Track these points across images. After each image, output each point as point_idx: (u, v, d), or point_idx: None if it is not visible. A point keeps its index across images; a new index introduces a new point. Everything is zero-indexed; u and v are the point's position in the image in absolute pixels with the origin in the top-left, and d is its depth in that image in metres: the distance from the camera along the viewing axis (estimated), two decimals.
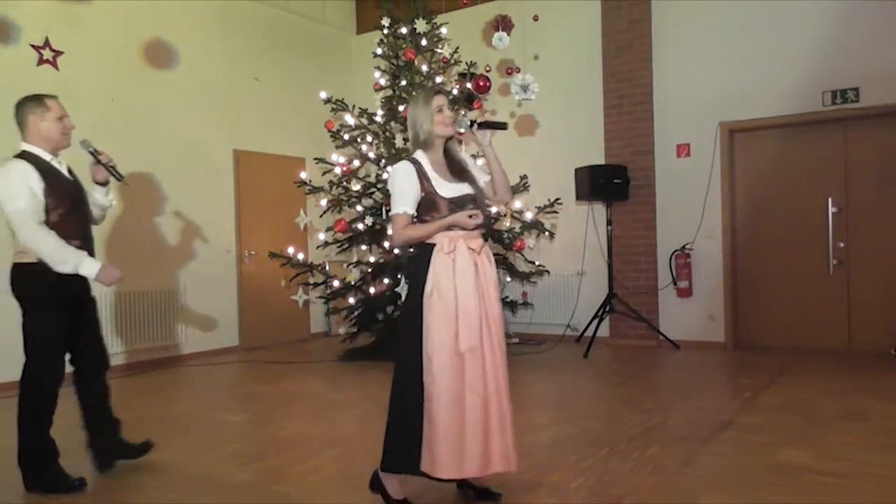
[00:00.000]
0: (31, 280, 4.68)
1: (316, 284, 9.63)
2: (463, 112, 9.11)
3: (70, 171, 5.00)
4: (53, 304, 4.72)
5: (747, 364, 8.54)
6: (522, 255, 9.70)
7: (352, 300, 9.39)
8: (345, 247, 9.53)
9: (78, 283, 4.87)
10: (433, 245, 4.01)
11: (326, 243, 9.47)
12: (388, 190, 4.22)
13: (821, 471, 4.65)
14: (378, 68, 9.71)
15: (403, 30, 9.54)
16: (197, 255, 10.15)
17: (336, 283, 9.41)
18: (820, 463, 4.81)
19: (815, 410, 6.22)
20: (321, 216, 9.74)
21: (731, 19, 9.47)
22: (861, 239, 8.95)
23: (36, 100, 4.88)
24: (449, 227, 4.01)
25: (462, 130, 9.16)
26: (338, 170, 9.36)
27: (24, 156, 4.73)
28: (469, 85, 9.21)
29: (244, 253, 10.78)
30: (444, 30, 9.71)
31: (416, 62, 9.47)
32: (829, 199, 9.07)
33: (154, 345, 9.54)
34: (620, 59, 10.16)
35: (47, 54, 8.52)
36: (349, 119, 9.43)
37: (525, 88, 8.76)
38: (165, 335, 9.67)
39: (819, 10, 8.92)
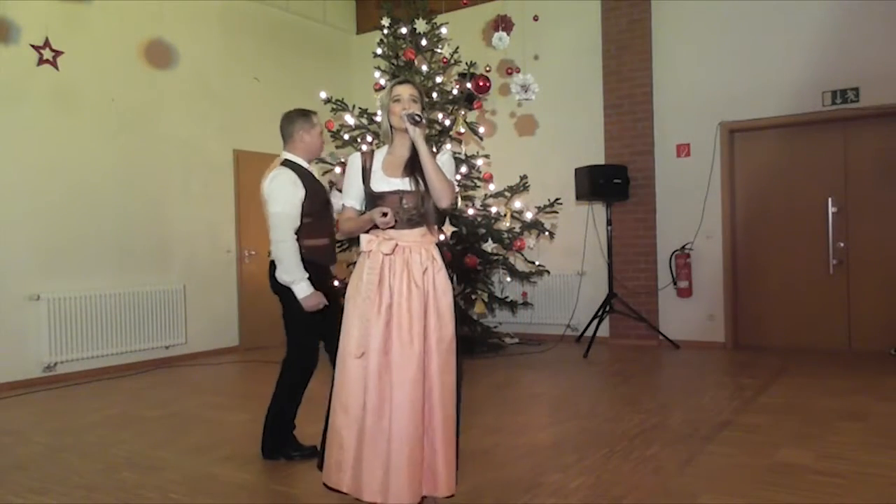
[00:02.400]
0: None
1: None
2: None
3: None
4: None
5: (747, 364, 8.54)
6: (522, 254, 9.70)
7: None
8: (344, 246, 9.52)
9: (329, 277, 5.41)
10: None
11: None
12: None
13: (820, 471, 4.65)
14: (378, 68, 9.71)
15: (403, 30, 9.53)
16: (197, 255, 10.17)
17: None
18: (819, 463, 4.81)
19: (815, 410, 6.23)
20: None
21: (731, 19, 9.47)
22: (861, 239, 8.96)
23: (304, 115, 5.34)
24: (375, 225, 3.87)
25: (462, 130, 9.15)
26: (338, 170, 9.34)
27: (288, 164, 5.17)
28: (469, 85, 9.21)
29: (244, 253, 10.78)
30: (444, 30, 9.68)
31: (416, 62, 9.46)
32: (829, 199, 9.08)
33: (154, 344, 9.54)
34: (620, 59, 10.17)
35: (47, 54, 8.52)
36: (349, 119, 9.43)
37: (525, 88, 8.76)
38: (165, 335, 9.67)
39: (819, 10, 8.93)
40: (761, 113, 9.31)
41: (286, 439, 5.32)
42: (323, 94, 9.49)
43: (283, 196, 4.98)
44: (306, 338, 5.15)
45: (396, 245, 3.81)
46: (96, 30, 9.07)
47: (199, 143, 10.26)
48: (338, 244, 9.48)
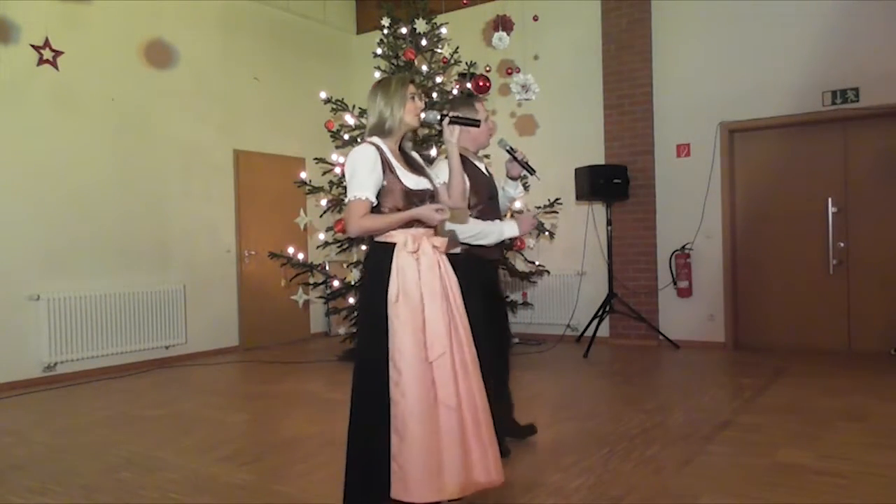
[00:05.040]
0: (459, 269, 5.00)
1: (316, 284, 9.63)
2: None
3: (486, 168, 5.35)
4: (474, 290, 4.99)
5: (747, 364, 8.54)
6: (522, 254, 9.71)
7: (352, 300, 9.38)
8: (345, 247, 9.52)
9: (495, 272, 5.41)
10: (392, 243, 3.73)
11: (326, 243, 9.46)
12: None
13: (820, 471, 4.65)
14: (378, 68, 9.67)
15: (403, 30, 9.53)
16: (197, 255, 10.18)
17: (336, 283, 9.39)
18: (820, 463, 4.82)
19: (815, 410, 6.23)
20: (321, 216, 9.73)
21: (731, 19, 9.47)
22: (861, 239, 8.95)
23: (467, 102, 5.19)
24: (408, 224, 3.74)
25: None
26: (338, 170, 9.34)
27: None
28: (469, 85, 9.20)
29: (244, 253, 10.79)
30: (443, 30, 9.69)
31: (416, 62, 9.46)
32: (829, 199, 9.07)
33: (154, 345, 9.54)
34: (621, 59, 10.17)
35: (47, 54, 8.51)
36: (349, 119, 9.42)
37: (525, 88, 8.74)
38: (165, 335, 9.67)
39: (819, 10, 8.92)
40: (761, 113, 9.31)
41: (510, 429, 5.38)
42: (323, 95, 9.47)
43: None
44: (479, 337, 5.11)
45: (445, 241, 3.87)
46: (96, 30, 9.07)
47: (199, 143, 10.26)
48: (337, 244, 9.49)
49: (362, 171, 3.69)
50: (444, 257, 3.86)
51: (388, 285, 3.64)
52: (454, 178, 3.97)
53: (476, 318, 5.01)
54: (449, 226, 4.91)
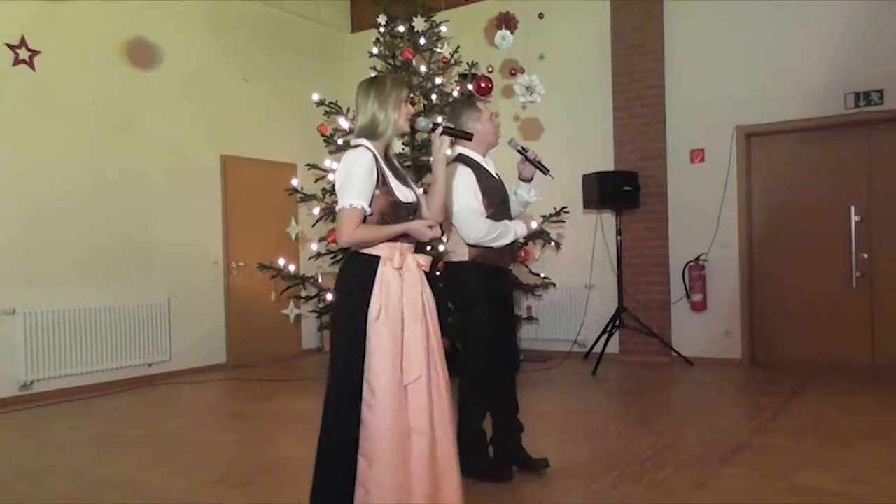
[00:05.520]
0: (465, 278, 5.18)
1: (308, 298, 9.67)
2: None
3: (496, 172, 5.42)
4: (485, 299, 5.12)
5: (765, 382, 8.58)
6: (527, 266, 9.75)
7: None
8: (339, 258, 9.47)
9: (503, 279, 5.41)
10: (376, 256, 3.74)
11: (319, 254, 9.44)
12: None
13: (842, 494, 4.70)
14: (374, 69, 9.70)
15: (401, 28, 9.56)
16: (182, 267, 10.19)
17: (329, 297, 9.37)
18: (841, 486, 4.86)
19: (837, 430, 6.28)
20: (313, 225, 9.64)
21: (748, 17, 9.51)
22: (885, 249, 8.99)
23: (468, 104, 5.32)
24: (393, 237, 3.77)
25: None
26: (331, 176, 9.34)
27: (461, 159, 5.17)
28: (470, 87, 9.23)
29: (232, 264, 10.82)
30: (443, 28, 9.71)
31: (414, 62, 9.47)
32: (852, 208, 9.11)
33: (136, 362, 9.57)
34: (631, 59, 10.21)
35: (23, 54, 8.55)
36: (343, 122, 9.43)
37: (530, 90, 8.78)
38: (148, 351, 9.70)
39: (841, 7, 8.97)
40: (780, 116, 9.34)
41: (481, 456, 5.25)
42: (315, 96, 9.47)
43: (460, 191, 5.01)
44: (483, 345, 5.13)
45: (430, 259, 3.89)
46: (76, 28, 9.12)
47: (185, 148, 10.30)
48: (330, 255, 9.50)
49: (359, 178, 3.69)
50: (424, 276, 3.88)
51: (368, 301, 3.68)
52: (437, 190, 4.02)
53: (484, 328, 5.09)
54: (463, 231, 4.97)
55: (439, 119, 9.17)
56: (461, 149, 5.22)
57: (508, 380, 5.41)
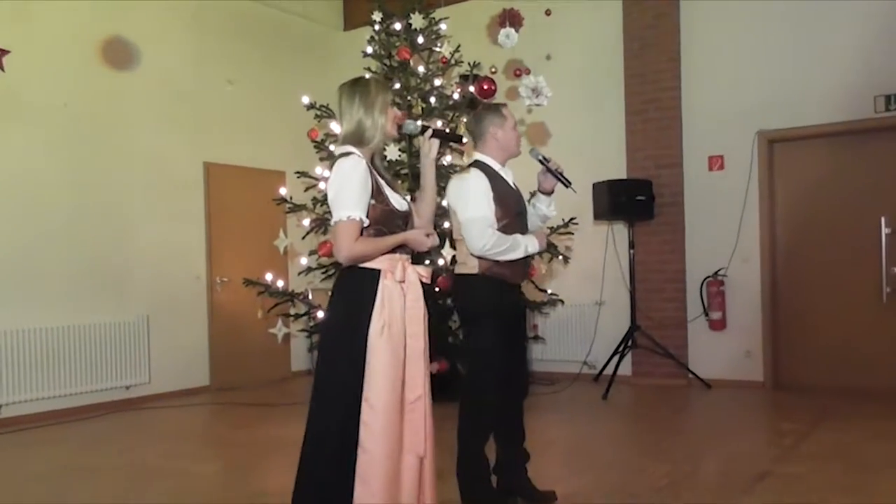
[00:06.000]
0: (473, 291, 5.18)
1: (298, 316, 9.65)
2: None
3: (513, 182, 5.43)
4: (494, 316, 5.11)
5: (788, 406, 8.59)
6: (533, 282, 9.73)
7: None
8: (330, 273, 9.52)
9: (516, 296, 5.41)
10: (376, 269, 3.76)
11: (309, 269, 9.47)
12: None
13: None
14: (368, 69, 9.69)
15: (397, 25, 9.60)
16: (162, 283, 10.19)
17: (320, 315, 9.37)
18: None
19: (865, 458, 6.28)
20: (303, 238, 9.67)
21: (771, 14, 9.52)
22: None
23: (494, 109, 5.35)
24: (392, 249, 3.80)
25: (465, 140, 9.18)
26: (322, 185, 9.32)
27: (476, 165, 5.22)
28: (472, 89, 9.25)
29: (215, 280, 10.84)
30: (443, 25, 9.76)
31: (411, 63, 9.51)
32: (883, 219, 9.10)
33: (113, 385, 9.56)
34: (644, 59, 10.23)
35: None
36: (335, 127, 9.44)
37: (536, 92, 8.79)
38: (125, 374, 9.69)
39: (870, 5, 8.97)
40: (805, 120, 9.33)
41: (482, 484, 5.21)
42: (305, 99, 9.49)
43: (471, 199, 5.04)
44: (488, 362, 5.10)
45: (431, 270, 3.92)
46: (47, 26, 9.13)
47: (165, 155, 10.30)
48: (322, 269, 9.50)
49: (355, 188, 3.69)
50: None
51: (370, 316, 3.68)
52: (427, 197, 4.06)
53: (489, 347, 5.08)
54: (470, 241, 4.97)
55: (438, 123, 9.21)
56: (478, 155, 5.26)
57: (516, 405, 5.39)
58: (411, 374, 3.71)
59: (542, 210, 5.50)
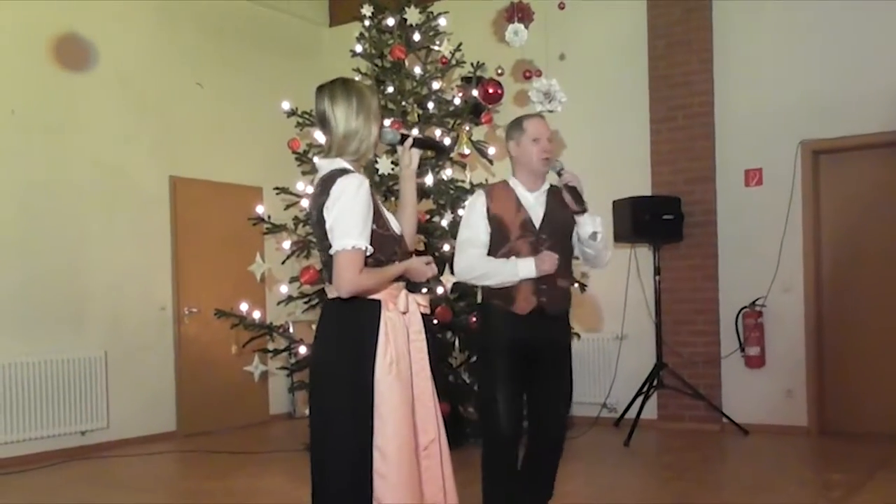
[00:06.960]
0: (480, 323, 5.38)
1: (277, 352, 9.68)
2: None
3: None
4: (498, 352, 5.18)
5: (837, 454, 8.63)
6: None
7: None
8: (314, 302, 9.51)
9: (533, 326, 5.22)
10: (376, 301, 3.78)
11: (290, 298, 9.51)
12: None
13: None
14: (357, 70, 9.72)
15: (390, 21, 9.65)
16: (121, 314, 10.20)
17: (302, 350, 9.36)
18: None
19: None
20: (283, 263, 9.73)
21: (815, 12, 9.55)
22: None
23: (515, 123, 5.43)
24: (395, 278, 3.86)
25: (467, 152, 9.26)
26: (304, 202, 9.29)
27: (496, 183, 5.48)
28: (475, 93, 9.29)
29: (183, 311, 10.87)
30: (442, 21, 9.81)
31: (406, 63, 9.55)
32: None
33: (67, 430, 9.55)
34: (672, 60, 10.26)
35: None
36: (320, 137, 9.45)
37: (548, 97, 8.83)
38: (81, 417, 9.68)
39: None
40: (854, 129, 9.34)
41: None
42: (286, 105, 9.57)
43: (464, 219, 5.24)
44: (492, 415, 5.14)
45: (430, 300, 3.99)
46: None
47: (126, 168, 10.32)
48: (304, 299, 9.52)
49: (360, 213, 3.68)
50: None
51: (374, 353, 3.70)
52: (407, 214, 4.11)
53: (489, 387, 5.14)
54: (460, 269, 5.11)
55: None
56: (510, 174, 5.41)
57: (542, 455, 5.40)
58: (421, 415, 3.75)
59: (581, 230, 5.31)
